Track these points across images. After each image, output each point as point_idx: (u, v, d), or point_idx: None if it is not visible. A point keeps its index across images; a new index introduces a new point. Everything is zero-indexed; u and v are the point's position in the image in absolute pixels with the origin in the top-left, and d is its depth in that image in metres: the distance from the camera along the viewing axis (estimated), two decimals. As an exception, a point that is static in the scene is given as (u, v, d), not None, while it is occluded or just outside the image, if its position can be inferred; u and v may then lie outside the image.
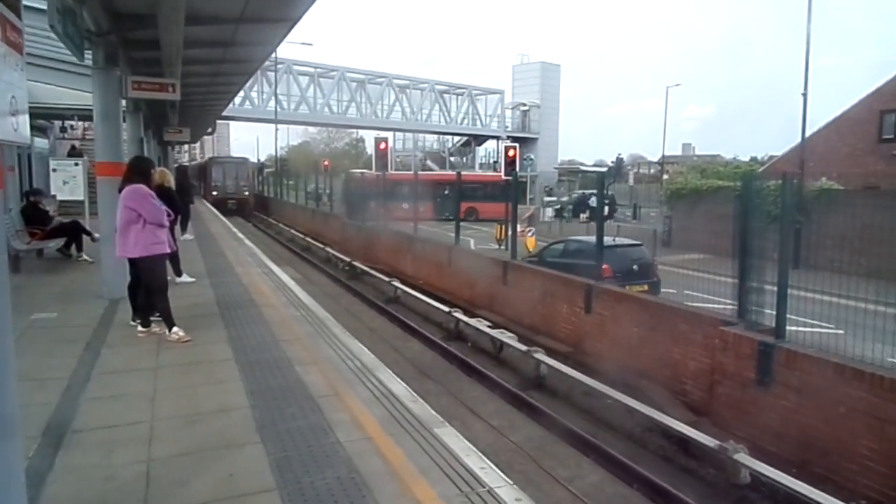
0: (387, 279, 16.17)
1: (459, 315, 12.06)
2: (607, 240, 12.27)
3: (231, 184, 39.87)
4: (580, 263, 11.58)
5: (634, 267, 12.28)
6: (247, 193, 40.82)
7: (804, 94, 20.91)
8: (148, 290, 6.86)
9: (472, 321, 11.62)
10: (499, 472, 3.91)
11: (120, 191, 6.78)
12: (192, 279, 10.21)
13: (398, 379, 5.65)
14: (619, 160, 51.31)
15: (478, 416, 8.18)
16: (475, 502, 3.54)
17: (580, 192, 38.78)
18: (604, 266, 11.19)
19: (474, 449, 4.23)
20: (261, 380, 5.53)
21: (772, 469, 5.90)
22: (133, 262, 6.90)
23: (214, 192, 38.67)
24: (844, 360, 6.46)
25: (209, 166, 41.94)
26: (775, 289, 7.28)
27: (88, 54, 8.81)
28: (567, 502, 6.14)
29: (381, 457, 4.08)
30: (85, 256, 12.04)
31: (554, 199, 39.44)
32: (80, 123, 20.98)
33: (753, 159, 56.01)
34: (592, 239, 11.87)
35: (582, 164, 56.18)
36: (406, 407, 4.95)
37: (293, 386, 5.40)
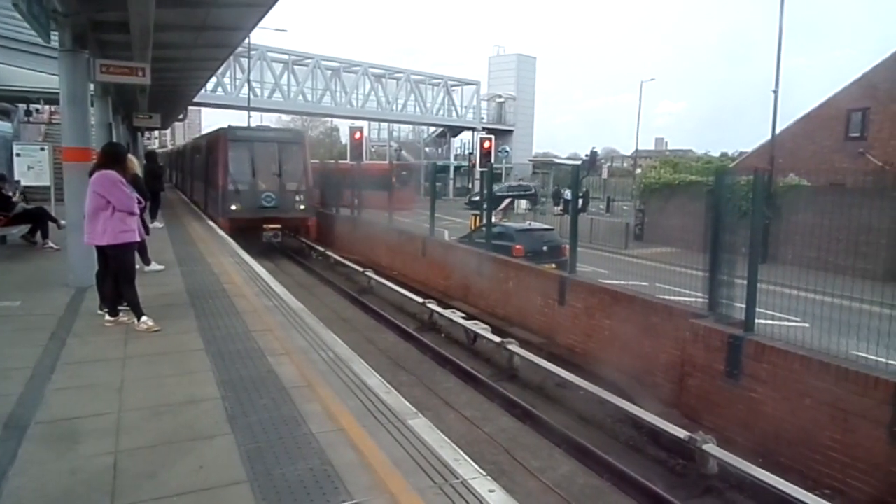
0: (360, 269, 16.10)
1: (433, 306, 12.05)
2: (523, 224, 17.28)
3: (271, 187, 19.41)
4: (500, 244, 13.79)
5: (545, 248, 14.13)
6: (303, 208, 19.94)
7: (775, 92, 21.27)
8: (116, 279, 6.72)
9: (447, 312, 11.62)
10: (472, 463, 3.91)
11: (90, 176, 6.61)
12: (162, 267, 10.04)
13: (372, 370, 5.62)
14: (594, 153, 51.53)
15: (451, 406, 8.20)
16: (448, 494, 3.53)
17: (554, 186, 39.11)
18: (517, 246, 13.39)
19: (448, 440, 4.23)
20: (232, 370, 5.46)
21: (739, 459, 6.01)
22: (101, 250, 6.74)
23: (234, 207, 18.67)
24: (810, 352, 6.60)
25: (221, 148, 19.55)
26: (745, 283, 7.41)
27: (55, 35, 8.56)
28: (539, 493, 6.19)
29: (353, 448, 4.05)
30: (50, 244, 11.75)
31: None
32: (46, 107, 20.46)
33: (724, 155, 56.85)
34: (513, 225, 16.85)
35: (556, 157, 56.46)
36: (379, 398, 4.92)
37: (265, 377, 5.34)
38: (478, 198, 36.25)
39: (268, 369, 5.52)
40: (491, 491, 3.57)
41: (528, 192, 38.48)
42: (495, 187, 39.82)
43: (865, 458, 5.95)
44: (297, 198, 19.54)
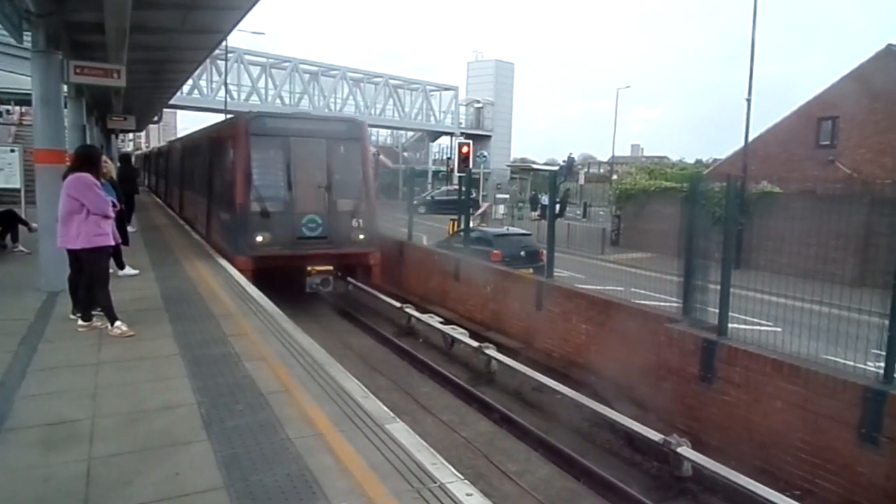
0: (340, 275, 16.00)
1: (411, 310, 12.05)
2: (500, 229, 17.04)
3: (316, 206, 12.50)
4: (478, 249, 13.99)
5: (522, 253, 14.22)
6: (363, 237, 12.92)
7: (748, 100, 21.62)
8: (89, 283, 6.62)
9: (424, 317, 11.63)
10: (449, 467, 3.93)
11: (64, 178, 6.52)
12: (136, 272, 9.91)
13: (349, 374, 5.60)
14: (571, 159, 52.00)
15: (429, 411, 8.20)
16: (426, 498, 3.54)
17: (532, 192, 39.34)
18: (494, 251, 13.63)
19: (425, 444, 4.24)
20: (208, 376, 5.41)
21: (712, 462, 6.10)
22: (75, 254, 6.65)
23: (260, 238, 11.98)
24: (782, 356, 6.72)
25: (238, 145, 12.38)
26: (718, 288, 7.53)
27: (28, 36, 8.43)
28: (516, 496, 6.22)
29: (331, 453, 4.04)
30: (21, 247, 11.54)
31: (507, 196, 39.85)
32: (17, 108, 20.09)
33: (699, 162, 57.63)
34: (490, 230, 16.68)
35: (534, 163, 56.75)
36: (357, 403, 4.91)
37: (242, 382, 5.30)
38: (429, 198, 36.50)
39: (244, 374, 5.48)
40: (468, 495, 3.59)
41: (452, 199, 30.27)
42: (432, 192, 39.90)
43: (834, 459, 6.08)
44: (355, 222, 12.61)
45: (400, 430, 4.43)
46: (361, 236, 12.75)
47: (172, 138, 33.88)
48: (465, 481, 3.76)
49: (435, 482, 3.71)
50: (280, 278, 11.62)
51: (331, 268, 12.74)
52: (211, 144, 15.20)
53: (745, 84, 21.92)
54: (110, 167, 9.63)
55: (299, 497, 3.52)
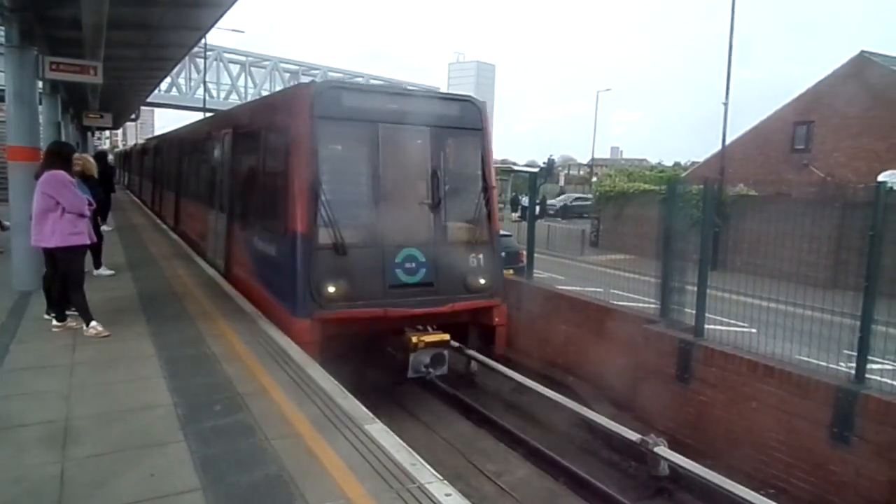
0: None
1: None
2: None
3: (416, 235, 7.85)
4: None
5: (502, 254, 13.77)
6: (483, 282, 8.13)
7: (725, 104, 21.93)
8: (64, 283, 6.52)
9: (689, 464, 11.40)
10: (429, 467, 3.93)
11: (37, 177, 6.41)
12: (112, 272, 9.77)
13: (328, 375, 5.58)
14: (551, 161, 52.33)
15: (408, 412, 8.19)
16: (405, 498, 3.55)
17: (513, 193, 39.50)
18: None
19: (404, 445, 4.24)
20: (185, 376, 5.36)
21: (689, 461, 6.16)
22: (49, 253, 6.54)
23: (332, 288, 7.19)
24: (757, 357, 6.83)
25: (294, 135, 7.49)
26: (695, 289, 7.62)
27: (1, 31, 8.29)
28: (495, 496, 6.25)
29: (310, 454, 4.03)
30: (-7, 246, 11.32)
31: None
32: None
33: (677, 164, 58.30)
34: None
35: (514, 164, 57.02)
36: (336, 403, 4.90)
37: (219, 383, 5.26)
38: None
39: (222, 375, 5.44)
40: (447, 495, 3.60)
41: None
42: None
43: (808, 458, 6.18)
44: (473, 258, 8.22)
45: (379, 431, 4.43)
46: (482, 280, 8.09)
47: (165, 131, 25.96)
48: (445, 481, 3.77)
49: (414, 482, 3.72)
50: (361, 348, 7.83)
51: (446, 337, 7.94)
52: (238, 136, 10.08)
53: (731, 88, 22.22)
54: (93, 165, 9.48)
55: (277, 498, 3.50)
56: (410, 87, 11.61)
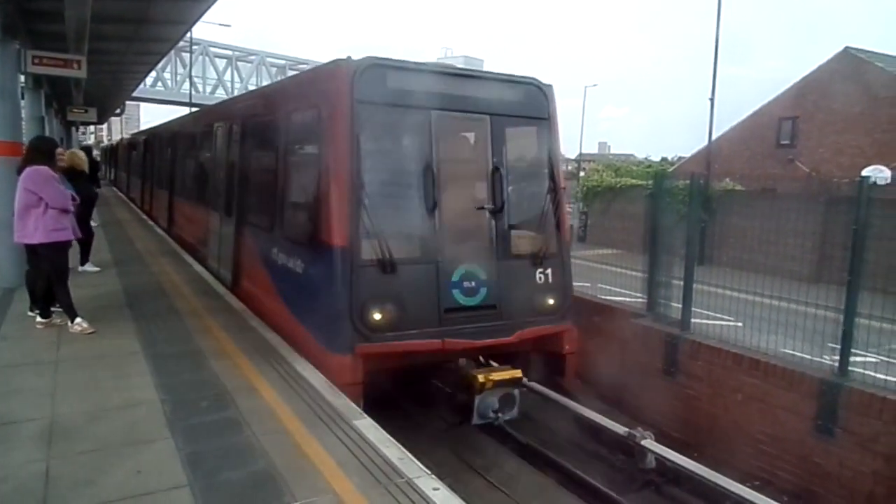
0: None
1: None
2: None
3: (476, 250, 6.55)
4: None
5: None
6: (553, 302, 6.95)
7: (711, 100, 22.03)
8: (48, 279, 6.46)
9: None
10: (416, 462, 3.94)
11: (19, 172, 6.33)
12: (97, 269, 9.69)
13: (317, 371, 5.57)
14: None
15: (396, 406, 8.18)
16: (393, 493, 3.55)
17: None
18: None
19: (392, 440, 4.25)
20: (172, 373, 5.33)
21: (675, 454, 6.21)
22: (32, 249, 6.47)
23: (378, 315, 5.85)
24: (742, 350, 6.89)
25: (337, 131, 6.02)
26: (682, 283, 7.67)
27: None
28: (484, 490, 6.25)
29: (298, 450, 4.02)
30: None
31: None
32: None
33: (664, 160, 58.55)
34: None
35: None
36: (325, 399, 4.90)
37: (207, 379, 5.24)
38: None
39: (209, 371, 5.42)
40: (435, 489, 3.61)
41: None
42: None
43: (792, 450, 6.25)
44: (542, 274, 6.99)
45: (367, 426, 4.44)
46: (551, 300, 6.91)
47: (156, 124, 24.32)
48: (433, 476, 3.78)
49: (402, 477, 3.73)
50: (411, 385, 6.86)
51: (518, 374, 6.68)
52: (251, 127, 8.61)
53: (721, 83, 22.33)
54: (82, 160, 9.36)
55: (265, 495, 3.50)
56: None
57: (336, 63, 6.25)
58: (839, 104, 22.43)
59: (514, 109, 6.91)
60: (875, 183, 6.52)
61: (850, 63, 22.82)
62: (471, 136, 7.10)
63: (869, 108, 21.84)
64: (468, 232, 6.62)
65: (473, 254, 6.43)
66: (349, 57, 6.07)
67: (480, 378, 6.32)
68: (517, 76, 6.98)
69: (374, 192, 5.95)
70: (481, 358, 6.87)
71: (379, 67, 6.18)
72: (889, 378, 5.81)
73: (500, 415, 6.58)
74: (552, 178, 7.10)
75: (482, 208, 6.60)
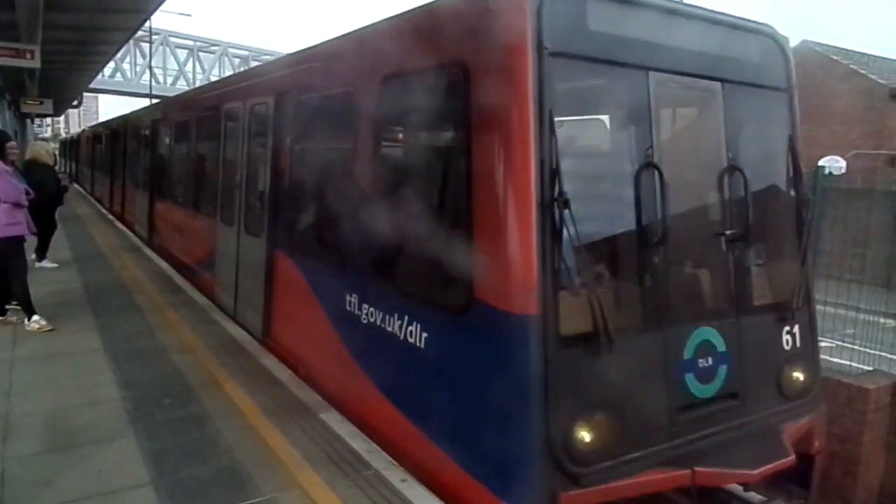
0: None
1: None
2: None
3: (718, 295, 4.15)
4: None
5: None
6: (803, 378, 4.44)
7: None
8: (4, 276, 6.28)
9: None
10: (384, 453, 3.94)
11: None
12: (55, 265, 9.45)
13: (282, 365, 5.53)
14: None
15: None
16: (361, 486, 3.55)
17: None
18: None
19: (359, 432, 4.24)
20: (134, 370, 5.23)
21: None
22: (-15, 245, 6.28)
23: (590, 435, 3.33)
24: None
25: (513, 113, 3.32)
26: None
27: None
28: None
29: (264, 444, 3.99)
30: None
31: None
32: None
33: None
34: None
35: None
36: (290, 392, 4.86)
37: (170, 375, 5.16)
38: None
39: (172, 367, 5.34)
40: (403, 480, 3.62)
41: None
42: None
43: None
44: (788, 333, 4.42)
45: (334, 419, 4.42)
46: (801, 375, 4.48)
47: (131, 110, 17.80)
48: (401, 467, 3.79)
49: (370, 469, 3.73)
50: None
51: None
52: (296, 105, 5.93)
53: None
54: (45, 152, 9.08)
55: (230, 490, 3.46)
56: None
57: None
58: (797, 96, 22.98)
59: (750, 74, 4.39)
60: (830, 173, 6.67)
61: (807, 55, 23.35)
62: (702, 114, 4.50)
63: (824, 101, 22.39)
64: (700, 273, 4.25)
65: (709, 309, 4.18)
66: None
67: None
68: (747, 21, 4.41)
69: (581, 216, 3.34)
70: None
71: None
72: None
73: None
74: (796, 182, 4.65)
75: (721, 234, 4.17)
